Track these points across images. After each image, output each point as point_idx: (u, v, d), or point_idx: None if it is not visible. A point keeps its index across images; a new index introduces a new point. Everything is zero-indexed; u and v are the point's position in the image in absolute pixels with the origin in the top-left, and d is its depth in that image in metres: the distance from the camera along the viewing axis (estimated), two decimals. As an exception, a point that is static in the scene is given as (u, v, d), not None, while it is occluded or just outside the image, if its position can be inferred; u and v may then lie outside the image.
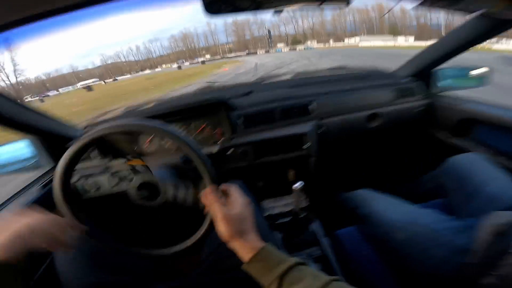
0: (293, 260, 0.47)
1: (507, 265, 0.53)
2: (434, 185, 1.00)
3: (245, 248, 0.50)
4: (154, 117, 0.97)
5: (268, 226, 0.78)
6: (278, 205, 1.26)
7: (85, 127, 1.08)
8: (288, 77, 1.61)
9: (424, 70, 1.22)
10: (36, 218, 0.48)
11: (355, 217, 0.94)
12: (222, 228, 0.51)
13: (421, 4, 0.67)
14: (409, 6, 0.69)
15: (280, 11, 0.70)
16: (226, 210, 0.52)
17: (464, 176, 0.87)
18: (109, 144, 1.00)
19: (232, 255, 0.66)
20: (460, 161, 0.92)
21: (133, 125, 0.52)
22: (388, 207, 0.84)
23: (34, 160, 0.99)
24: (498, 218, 0.62)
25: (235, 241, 0.51)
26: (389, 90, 1.18)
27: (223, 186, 0.56)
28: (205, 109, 1.02)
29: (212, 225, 0.56)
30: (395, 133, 1.26)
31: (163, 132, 0.53)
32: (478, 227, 0.63)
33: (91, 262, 0.67)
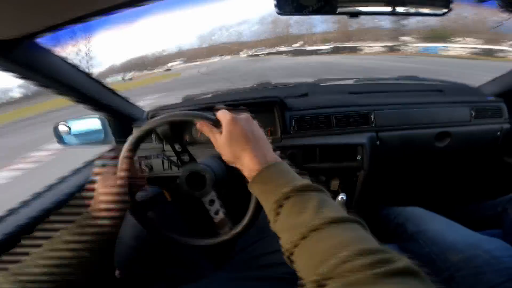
0: (301, 183, 0.40)
1: None
2: (493, 214, 0.94)
3: (246, 169, 0.46)
4: (209, 108, 0.99)
5: None
6: None
7: (148, 112, 1.16)
8: (349, 82, 1.52)
9: None
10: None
11: (400, 233, 0.89)
12: (222, 155, 0.51)
13: None
14: None
15: (356, 15, 0.66)
16: (218, 134, 0.50)
17: None
18: (166, 129, 1.05)
19: (265, 254, 0.67)
20: None
21: (197, 115, 0.55)
22: (447, 228, 0.80)
23: (101, 136, 1.10)
24: None
25: (237, 163, 0.48)
26: (468, 108, 1.03)
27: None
28: (259, 105, 1.02)
29: (253, 220, 0.56)
30: (464, 155, 1.12)
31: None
32: None
33: (146, 253, 0.69)
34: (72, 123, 1.07)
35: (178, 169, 0.98)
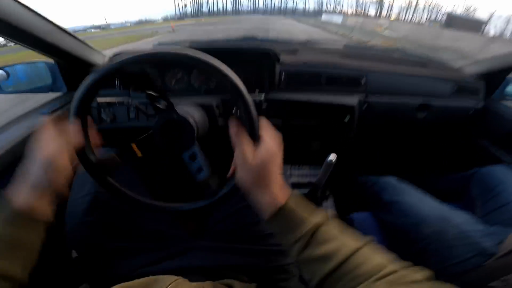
0: (321, 216, 0.42)
1: None
2: (456, 187, 1.00)
3: (265, 202, 0.43)
4: None
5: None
6: (295, 174, 1.23)
7: (114, 55, 0.99)
8: (338, 46, 1.49)
9: (496, 73, 1.10)
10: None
11: (375, 202, 0.92)
12: (241, 173, 0.45)
13: None
14: None
15: None
16: (250, 154, 0.44)
17: (494, 186, 0.86)
18: (133, 76, 0.93)
19: (248, 225, 0.63)
20: (492, 171, 0.91)
21: (174, 54, 0.44)
22: (419, 201, 0.83)
23: (49, 82, 0.93)
24: None
25: (254, 192, 0.44)
26: (449, 84, 1.07)
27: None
28: (248, 57, 0.95)
29: (234, 186, 0.49)
30: (440, 128, 1.18)
31: (207, 65, 0.45)
32: (509, 235, 0.64)
33: (104, 228, 0.62)
34: (10, 68, 0.89)
35: (148, 119, 0.88)
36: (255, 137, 0.45)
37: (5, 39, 0.71)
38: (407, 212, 0.80)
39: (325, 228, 0.40)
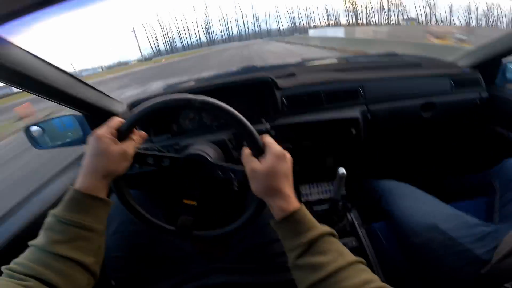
0: (325, 229, 0.45)
1: None
2: (485, 183, 0.94)
3: (277, 207, 0.47)
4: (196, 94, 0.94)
5: None
6: (315, 191, 1.24)
7: (131, 104, 1.06)
8: (332, 60, 1.55)
9: (491, 60, 1.11)
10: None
11: (379, 211, 0.91)
12: (253, 184, 0.49)
13: None
14: None
15: None
16: (258, 164, 0.49)
17: None
18: (154, 121, 0.98)
19: (262, 244, 0.67)
20: None
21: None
22: (411, 206, 0.81)
23: (80, 135, 0.99)
24: None
25: (267, 198, 0.49)
26: (447, 79, 1.09)
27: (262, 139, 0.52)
28: (248, 87, 1.01)
29: (258, 210, 0.54)
30: (451, 125, 1.19)
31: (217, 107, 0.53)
32: (507, 235, 0.59)
33: (132, 260, 0.69)
34: (44, 124, 0.96)
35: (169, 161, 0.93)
36: (256, 151, 0.51)
37: (37, 96, 0.75)
38: (399, 222, 0.78)
39: (326, 239, 0.44)
